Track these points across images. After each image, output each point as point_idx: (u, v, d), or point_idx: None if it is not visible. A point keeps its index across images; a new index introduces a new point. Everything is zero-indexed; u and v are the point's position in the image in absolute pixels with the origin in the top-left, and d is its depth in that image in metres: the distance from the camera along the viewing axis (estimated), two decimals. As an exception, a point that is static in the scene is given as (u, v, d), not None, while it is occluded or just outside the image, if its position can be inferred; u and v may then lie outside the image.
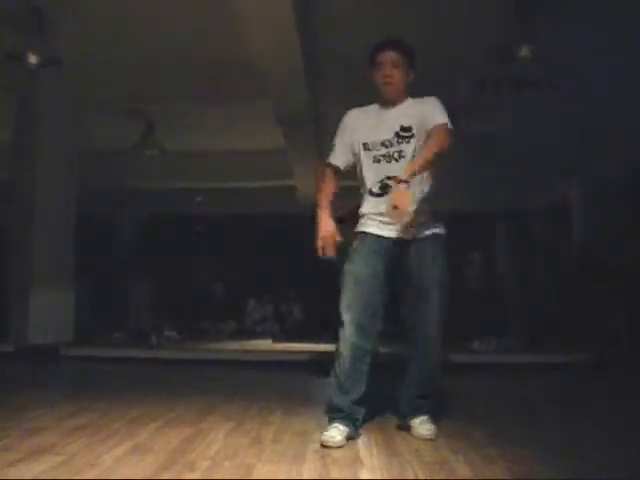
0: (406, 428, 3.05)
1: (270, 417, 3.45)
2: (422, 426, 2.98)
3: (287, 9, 5.14)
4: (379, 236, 3.01)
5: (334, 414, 2.94)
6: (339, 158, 3.19)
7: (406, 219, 2.85)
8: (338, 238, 3.06)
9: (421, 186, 3.00)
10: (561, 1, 5.37)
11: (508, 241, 11.92)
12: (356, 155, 3.13)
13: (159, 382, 5.12)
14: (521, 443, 2.88)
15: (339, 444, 2.77)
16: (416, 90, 3.09)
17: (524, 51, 5.41)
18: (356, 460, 2.55)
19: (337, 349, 3.01)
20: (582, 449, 2.82)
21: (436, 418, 3.12)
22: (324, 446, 2.75)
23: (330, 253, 3.05)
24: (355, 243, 3.07)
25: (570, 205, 10.32)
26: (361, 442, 2.88)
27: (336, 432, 2.82)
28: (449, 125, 2.96)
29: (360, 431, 3.00)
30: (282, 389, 4.45)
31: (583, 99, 7.21)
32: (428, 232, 3.01)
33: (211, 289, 13.10)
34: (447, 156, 2.92)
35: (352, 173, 3.19)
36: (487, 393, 4.74)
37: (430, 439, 2.90)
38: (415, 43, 3.06)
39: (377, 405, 3.37)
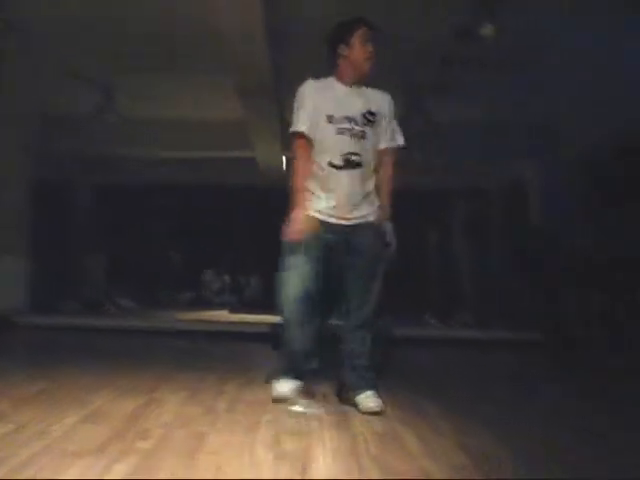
0: (352, 403, 3.01)
1: (225, 387, 3.47)
2: (368, 399, 2.95)
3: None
4: (323, 222, 3.04)
5: (284, 369, 3.14)
6: (306, 124, 3.07)
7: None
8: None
9: (369, 182, 3.12)
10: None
11: (465, 220, 12.05)
12: (316, 126, 3.06)
13: (114, 351, 5.08)
14: (473, 417, 2.95)
15: (287, 396, 3.02)
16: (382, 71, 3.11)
17: (487, 30, 5.44)
18: (309, 431, 2.59)
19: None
20: (534, 425, 2.91)
21: (388, 390, 3.17)
22: (275, 400, 3.00)
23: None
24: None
25: (527, 187, 10.47)
26: (313, 413, 2.91)
27: (284, 385, 3.06)
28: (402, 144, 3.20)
29: (313, 402, 3.05)
30: (238, 360, 4.46)
31: (544, 82, 7.28)
32: (370, 220, 3.09)
33: (168, 258, 12.98)
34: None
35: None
36: (442, 367, 4.84)
37: (378, 412, 2.88)
38: (384, 23, 3.06)
39: (330, 377, 3.40)
